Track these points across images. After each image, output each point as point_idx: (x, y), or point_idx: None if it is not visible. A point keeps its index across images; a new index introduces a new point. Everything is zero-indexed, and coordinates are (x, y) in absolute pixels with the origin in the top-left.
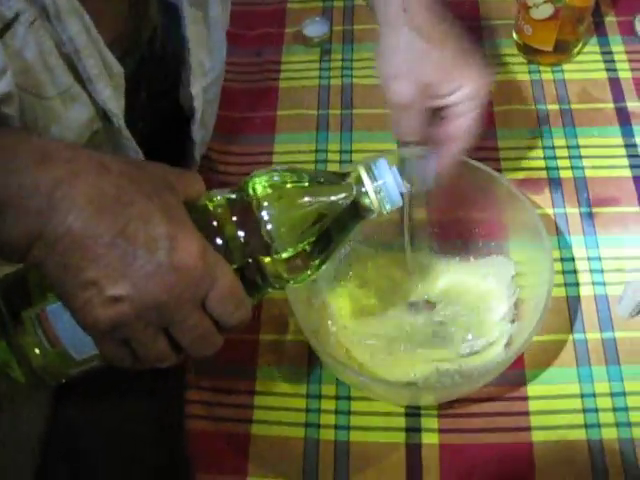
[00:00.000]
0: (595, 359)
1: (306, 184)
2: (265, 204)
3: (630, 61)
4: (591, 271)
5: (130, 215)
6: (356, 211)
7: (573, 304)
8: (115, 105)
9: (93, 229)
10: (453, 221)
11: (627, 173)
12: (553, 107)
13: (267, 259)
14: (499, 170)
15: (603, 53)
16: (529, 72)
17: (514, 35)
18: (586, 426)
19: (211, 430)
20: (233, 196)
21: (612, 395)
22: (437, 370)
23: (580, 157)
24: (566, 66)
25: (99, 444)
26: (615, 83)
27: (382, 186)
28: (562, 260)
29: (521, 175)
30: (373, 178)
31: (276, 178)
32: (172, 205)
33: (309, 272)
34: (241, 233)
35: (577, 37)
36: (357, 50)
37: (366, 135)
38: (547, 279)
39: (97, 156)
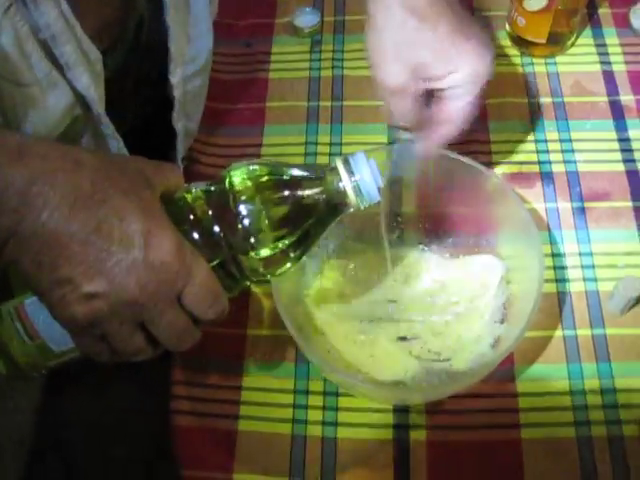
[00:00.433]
0: (585, 356)
1: (284, 177)
2: (242, 197)
3: (624, 54)
4: (582, 267)
5: (105, 212)
6: (334, 205)
7: (564, 300)
8: (93, 92)
9: (68, 226)
10: (442, 217)
11: (620, 167)
12: (546, 100)
13: (244, 253)
14: (491, 163)
15: (597, 45)
16: (522, 64)
17: (507, 27)
18: (575, 423)
19: (197, 426)
20: (211, 189)
21: (602, 392)
22: (425, 370)
23: (573, 151)
24: (559, 58)
25: (86, 437)
26: (609, 76)
27: (359, 180)
28: (553, 255)
29: (513, 169)
30: (350, 172)
31: (253, 171)
32: (148, 200)
33: (287, 265)
34: (218, 226)
35: (571, 29)
36: (348, 41)
37: (356, 127)
38: (537, 279)
39: (72, 152)
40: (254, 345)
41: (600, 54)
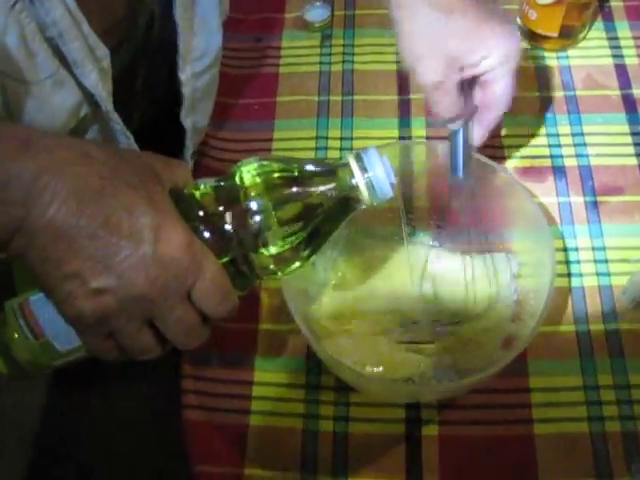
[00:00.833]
0: (598, 351)
1: (294, 173)
2: (252, 194)
3: (637, 47)
4: (595, 261)
5: (114, 206)
6: (346, 202)
7: (577, 295)
8: (102, 89)
9: (76, 220)
10: (453, 213)
11: (633, 161)
12: (558, 94)
13: (254, 250)
14: (503, 158)
15: (609, 39)
16: (534, 58)
17: (518, 20)
18: (589, 419)
19: (208, 420)
20: (220, 185)
21: (615, 387)
22: (435, 368)
23: (585, 145)
24: (571, 52)
25: (92, 433)
26: (621, 69)
27: (372, 177)
28: (566, 250)
29: (525, 163)
30: (363, 168)
31: (264, 167)
32: (157, 195)
33: (297, 263)
34: (227, 223)
35: (583, 22)
36: (358, 35)
37: (367, 122)
38: (548, 277)
39: (80, 145)
40: (265, 340)
41: (612, 47)
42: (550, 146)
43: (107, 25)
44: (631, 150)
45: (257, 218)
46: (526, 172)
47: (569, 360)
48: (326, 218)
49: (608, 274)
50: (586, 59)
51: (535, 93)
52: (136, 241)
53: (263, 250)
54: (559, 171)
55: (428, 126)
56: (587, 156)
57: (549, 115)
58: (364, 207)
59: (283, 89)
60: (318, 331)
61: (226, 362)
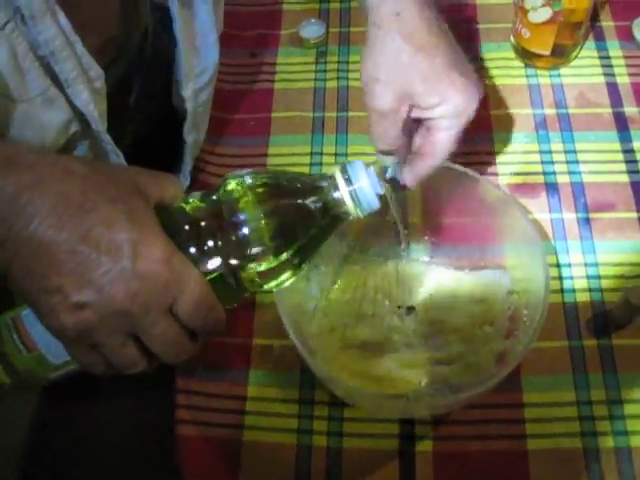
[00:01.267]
0: (592, 366)
1: (279, 187)
2: (238, 207)
3: (628, 66)
4: (588, 277)
5: (94, 221)
6: (332, 214)
7: (570, 310)
8: (93, 108)
9: (56, 235)
10: (446, 229)
11: (625, 178)
12: (550, 111)
13: (241, 263)
14: (495, 174)
15: (601, 58)
16: (526, 76)
17: (511, 39)
18: (582, 434)
19: (201, 435)
20: (207, 199)
21: (608, 403)
22: (428, 384)
23: (577, 162)
24: (563, 70)
25: (85, 449)
26: (613, 88)
27: (357, 188)
28: (559, 266)
29: (518, 180)
30: (347, 180)
31: (250, 181)
32: (138, 210)
33: (286, 276)
34: (213, 237)
35: (575, 41)
36: (353, 52)
37: (362, 138)
38: (542, 295)
39: (62, 160)
40: (259, 355)
41: (604, 66)
42: (543, 163)
43: (101, 42)
44: (623, 167)
45: (242, 232)
46: (519, 188)
47: (562, 375)
48: (313, 231)
49: (600, 290)
50: (578, 77)
51: (528, 110)
52: (115, 256)
53: (250, 263)
54: (552, 188)
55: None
56: (579, 173)
57: (542, 132)
58: (351, 219)
59: (278, 105)
60: (312, 346)
61: (220, 377)
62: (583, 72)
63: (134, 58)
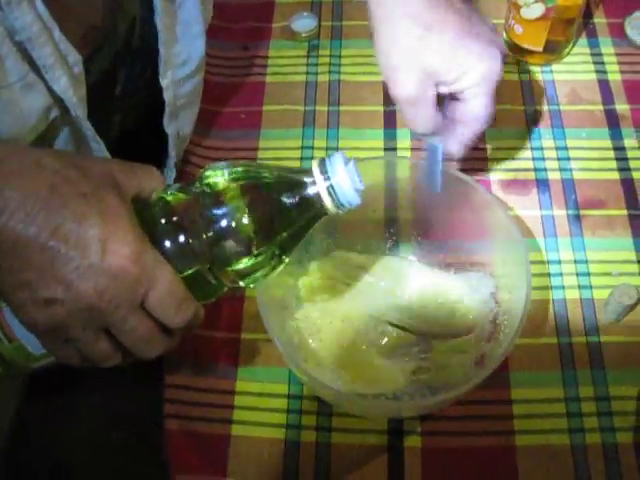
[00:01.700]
0: (580, 363)
1: (261, 180)
2: (214, 201)
3: (620, 63)
4: (577, 274)
5: (63, 216)
6: (311, 209)
7: (559, 307)
8: (72, 94)
9: (25, 230)
10: (432, 228)
11: (615, 176)
12: (542, 108)
13: (218, 257)
14: (486, 170)
15: (593, 55)
16: (518, 72)
17: (504, 35)
18: (570, 430)
19: (189, 430)
20: (186, 191)
21: (596, 399)
22: (409, 384)
23: (568, 159)
24: (556, 67)
25: (72, 444)
26: (604, 85)
27: (334, 183)
28: (548, 262)
29: (509, 176)
30: (325, 174)
31: (228, 174)
32: (110, 204)
33: (263, 272)
34: (188, 232)
35: (567, 38)
36: (345, 46)
37: (353, 132)
38: (523, 297)
39: (33, 154)
40: (248, 349)
41: (596, 63)
42: (534, 159)
43: (84, 31)
44: (613, 164)
45: (220, 225)
46: (509, 185)
47: (551, 372)
48: (293, 225)
49: (590, 287)
50: (570, 74)
51: (520, 107)
52: (84, 252)
53: (227, 258)
54: (542, 184)
55: (414, 137)
56: (570, 170)
57: (533, 129)
58: (330, 214)
59: (269, 98)
60: (295, 342)
61: (208, 371)
62: (575, 69)
63: (120, 48)
